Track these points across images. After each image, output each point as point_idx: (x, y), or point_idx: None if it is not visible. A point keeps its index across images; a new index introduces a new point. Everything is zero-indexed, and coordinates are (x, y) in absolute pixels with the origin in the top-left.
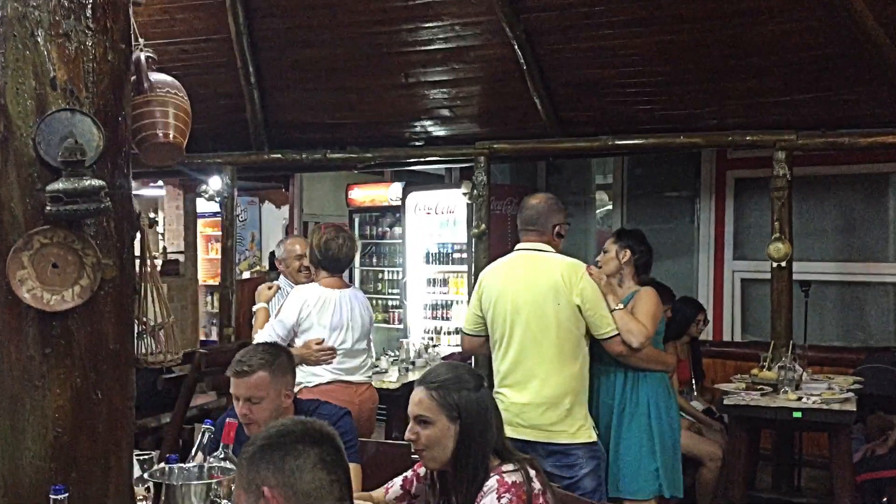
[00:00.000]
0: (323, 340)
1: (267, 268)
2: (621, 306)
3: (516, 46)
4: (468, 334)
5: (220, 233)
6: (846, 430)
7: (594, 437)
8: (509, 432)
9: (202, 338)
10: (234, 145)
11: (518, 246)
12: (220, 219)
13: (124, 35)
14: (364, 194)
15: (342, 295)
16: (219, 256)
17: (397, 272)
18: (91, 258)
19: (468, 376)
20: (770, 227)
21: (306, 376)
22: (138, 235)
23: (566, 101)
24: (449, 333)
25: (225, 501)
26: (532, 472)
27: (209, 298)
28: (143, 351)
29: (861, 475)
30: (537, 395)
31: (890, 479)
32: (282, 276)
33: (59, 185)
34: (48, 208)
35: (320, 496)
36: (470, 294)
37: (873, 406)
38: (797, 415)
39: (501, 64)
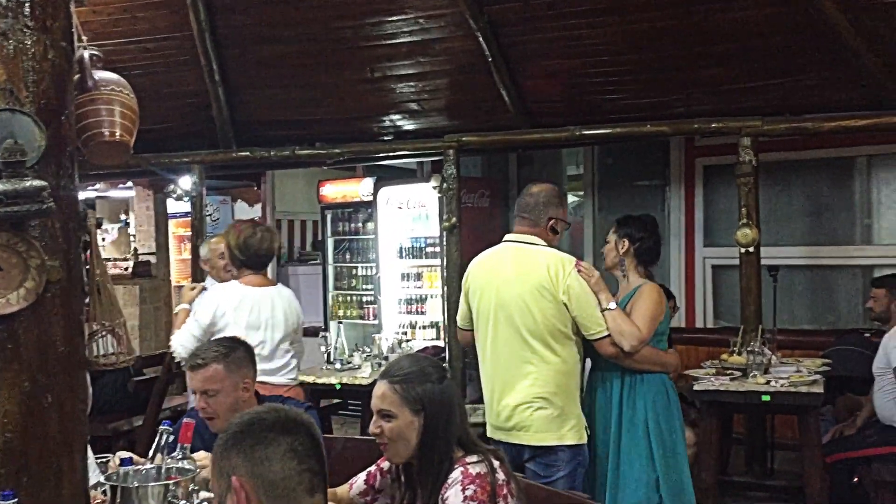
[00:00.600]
0: None
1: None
2: (613, 305)
3: (481, 38)
4: (461, 328)
5: (191, 233)
6: (814, 411)
7: (583, 440)
8: (500, 437)
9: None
10: (201, 144)
11: (507, 236)
12: (189, 218)
13: (66, 33)
14: (336, 190)
15: (263, 294)
16: (191, 257)
17: (371, 268)
18: (35, 260)
19: (431, 369)
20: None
21: None
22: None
23: (533, 92)
24: (424, 328)
25: (183, 502)
26: (496, 463)
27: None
28: (96, 353)
29: (831, 456)
30: (527, 394)
31: (859, 459)
32: (208, 276)
33: None
34: None
35: (289, 487)
36: (443, 288)
37: (842, 388)
38: (765, 398)
39: (467, 56)
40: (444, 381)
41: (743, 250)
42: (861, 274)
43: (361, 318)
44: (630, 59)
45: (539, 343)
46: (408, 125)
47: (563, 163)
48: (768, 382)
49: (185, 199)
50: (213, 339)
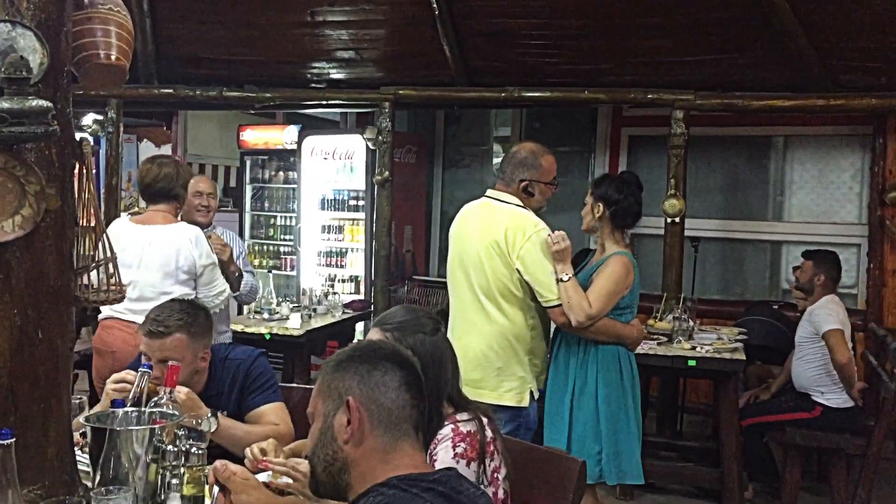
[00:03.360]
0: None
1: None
2: (566, 277)
3: None
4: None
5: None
6: (735, 377)
7: (524, 403)
8: None
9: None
10: None
11: (487, 192)
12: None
13: None
14: (257, 136)
15: (144, 231)
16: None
17: (290, 218)
18: (34, 186)
19: (425, 319)
20: (662, 184)
21: None
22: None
23: (475, 50)
24: (343, 281)
25: (169, 447)
26: (485, 420)
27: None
28: (82, 289)
29: (745, 420)
30: (469, 349)
31: (772, 424)
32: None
33: (2, 104)
34: None
35: (401, 417)
36: (371, 242)
37: (751, 356)
38: (692, 363)
39: (412, 7)
40: (438, 333)
41: (669, 220)
42: (770, 249)
43: (278, 268)
44: (573, 24)
45: (488, 301)
46: (342, 74)
47: (491, 123)
48: (693, 348)
49: (101, 134)
50: (172, 300)
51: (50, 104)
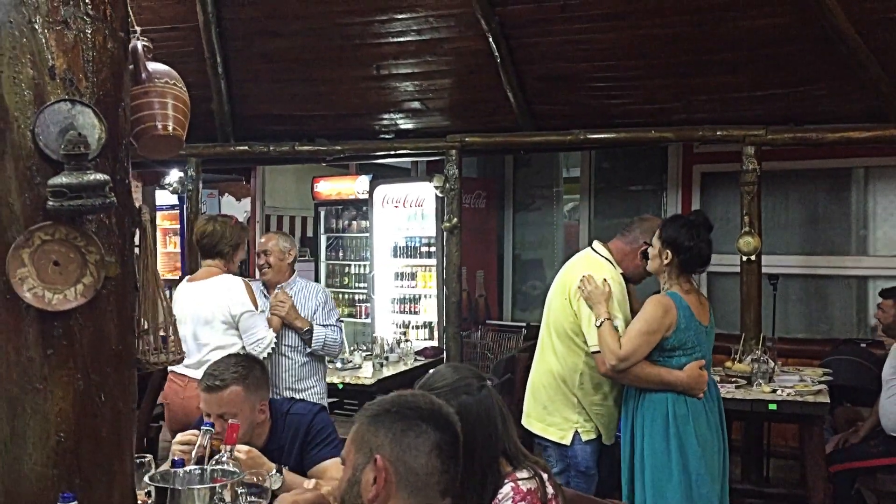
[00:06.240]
0: None
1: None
2: (599, 322)
3: (490, 39)
4: None
5: (178, 226)
6: (820, 421)
7: (566, 441)
8: None
9: (162, 334)
10: (198, 137)
11: (593, 243)
12: (177, 211)
13: (123, 23)
14: (330, 187)
15: (191, 286)
16: (177, 250)
17: (364, 266)
18: (94, 255)
19: (471, 378)
20: (737, 221)
21: None
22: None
23: (539, 94)
24: (417, 328)
25: None
26: (545, 476)
27: (168, 293)
28: (143, 351)
29: (834, 465)
30: (531, 381)
31: (862, 470)
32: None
33: (62, 179)
34: (50, 203)
35: (428, 483)
36: (441, 288)
37: (840, 397)
38: (772, 407)
39: (475, 56)
40: (483, 391)
41: (744, 258)
42: (856, 285)
43: (352, 316)
44: (637, 65)
45: (548, 339)
46: (410, 124)
47: (560, 166)
48: (774, 391)
49: (182, 192)
50: (229, 355)
51: (107, 177)
